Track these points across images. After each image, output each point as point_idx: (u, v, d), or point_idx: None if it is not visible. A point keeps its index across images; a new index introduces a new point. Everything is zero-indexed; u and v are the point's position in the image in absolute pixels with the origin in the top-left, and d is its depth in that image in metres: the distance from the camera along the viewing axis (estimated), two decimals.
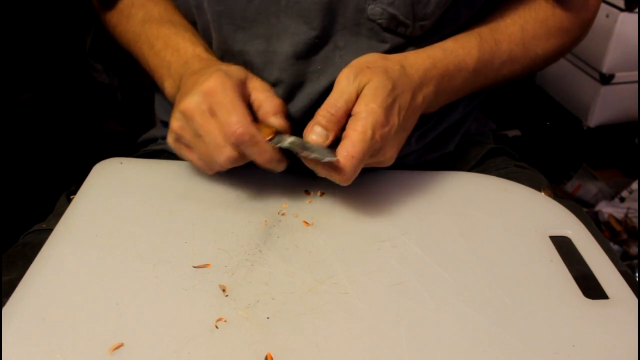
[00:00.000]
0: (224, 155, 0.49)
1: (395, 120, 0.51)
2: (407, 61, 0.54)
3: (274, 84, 0.57)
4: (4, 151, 1.33)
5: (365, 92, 0.50)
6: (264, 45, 0.56)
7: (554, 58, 0.65)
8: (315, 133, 0.50)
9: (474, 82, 0.60)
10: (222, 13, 0.55)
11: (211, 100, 0.49)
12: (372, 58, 0.53)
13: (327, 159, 0.49)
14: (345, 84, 0.50)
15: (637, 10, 1.51)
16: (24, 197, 1.31)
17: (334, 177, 0.50)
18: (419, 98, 0.54)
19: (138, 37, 0.63)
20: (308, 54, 0.56)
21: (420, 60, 0.55)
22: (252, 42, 0.56)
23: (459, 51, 0.57)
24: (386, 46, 0.56)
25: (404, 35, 0.56)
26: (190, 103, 0.49)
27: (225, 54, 0.59)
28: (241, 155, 0.50)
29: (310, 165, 0.51)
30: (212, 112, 0.49)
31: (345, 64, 0.56)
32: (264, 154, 0.50)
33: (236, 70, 0.52)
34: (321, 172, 0.51)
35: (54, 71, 1.55)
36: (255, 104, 0.52)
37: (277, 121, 0.52)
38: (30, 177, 1.37)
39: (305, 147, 0.50)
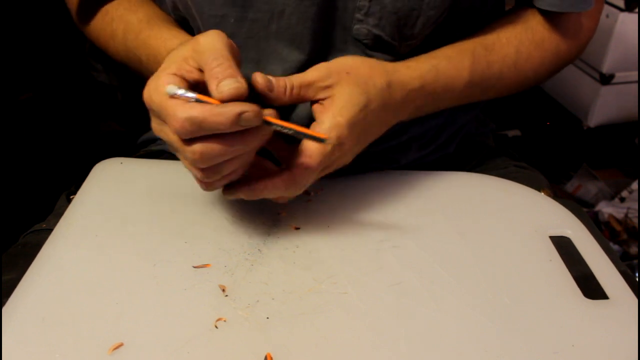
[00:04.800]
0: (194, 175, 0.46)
1: (356, 136, 0.48)
2: (396, 77, 0.52)
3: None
4: (4, 151, 1.33)
5: (336, 102, 0.47)
6: (254, 69, 0.54)
7: (544, 79, 0.64)
8: (259, 76, 0.47)
9: (458, 101, 0.59)
10: None
11: (152, 110, 0.45)
12: (358, 63, 0.50)
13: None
14: (313, 76, 0.48)
15: (637, 10, 1.51)
16: (24, 197, 1.30)
17: (285, 189, 0.47)
18: (392, 115, 0.53)
19: (126, 54, 0.61)
20: None
21: (410, 79, 0.52)
22: (243, 66, 0.54)
23: (450, 72, 0.55)
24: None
25: (391, 52, 0.55)
26: (153, 124, 0.47)
27: None
28: (210, 168, 0.44)
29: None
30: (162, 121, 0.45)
31: None
32: (222, 119, 0.41)
33: (182, 51, 0.46)
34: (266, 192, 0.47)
35: (54, 71, 1.55)
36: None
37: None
38: (30, 177, 1.37)
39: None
